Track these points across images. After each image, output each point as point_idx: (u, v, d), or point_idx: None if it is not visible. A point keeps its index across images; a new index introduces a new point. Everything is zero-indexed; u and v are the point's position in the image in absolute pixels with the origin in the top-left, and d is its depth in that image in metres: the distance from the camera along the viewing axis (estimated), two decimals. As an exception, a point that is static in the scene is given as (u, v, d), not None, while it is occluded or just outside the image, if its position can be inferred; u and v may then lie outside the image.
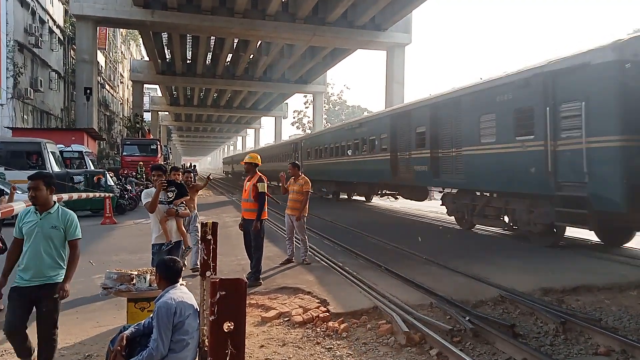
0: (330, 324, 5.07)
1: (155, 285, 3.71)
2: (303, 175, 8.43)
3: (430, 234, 12.20)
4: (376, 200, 23.25)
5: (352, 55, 36.19)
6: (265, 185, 6.96)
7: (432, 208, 18.75)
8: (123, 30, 52.82)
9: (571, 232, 10.16)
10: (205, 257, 3.35)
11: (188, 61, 41.32)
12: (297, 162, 8.75)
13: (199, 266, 7.08)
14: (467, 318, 4.99)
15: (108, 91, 47.36)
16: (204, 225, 3.34)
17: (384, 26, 28.37)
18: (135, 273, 4.15)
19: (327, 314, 5.33)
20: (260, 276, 6.85)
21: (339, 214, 16.51)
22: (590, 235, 10.25)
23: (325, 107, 59.28)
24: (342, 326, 4.96)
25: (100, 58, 38.89)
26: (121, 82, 56.12)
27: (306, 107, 67.24)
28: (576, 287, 6.41)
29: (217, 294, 1.63)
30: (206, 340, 2.96)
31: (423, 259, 8.35)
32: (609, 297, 6.16)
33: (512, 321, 5.10)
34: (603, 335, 4.65)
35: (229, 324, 1.66)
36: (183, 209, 5.49)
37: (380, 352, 4.44)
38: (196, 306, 3.36)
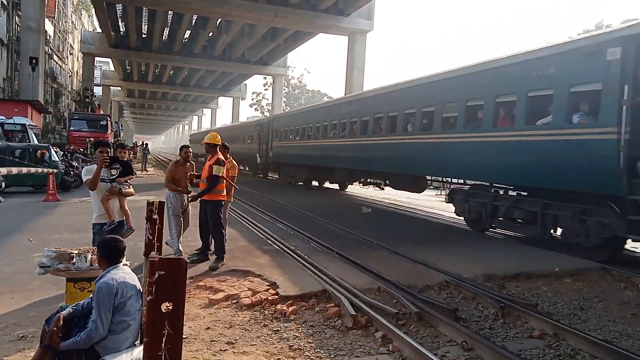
0: (278, 306, 5.08)
1: (97, 265, 3.58)
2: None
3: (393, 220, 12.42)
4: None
5: (314, 39, 35.96)
6: (222, 169, 6.79)
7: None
8: (74, -1, 50.12)
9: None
10: (150, 237, 3.26)
11: (144, 35, 39.75)
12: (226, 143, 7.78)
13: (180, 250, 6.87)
14: (413, 302, 5.13)
15: (56, 62, 44.89)
16: (149, 204, 3.23)
17: (347, 11, 28.28)
18: (76, 252, 3.98)
19: (276, 296, 5.33)
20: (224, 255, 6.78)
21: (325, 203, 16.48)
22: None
23: (285, 90, 58.73)
24: (291, 309, 4.98)
25: (49, 27, 36.73)
26: (71, 54, 53.32)
27: (265, 89, 66.42)
28: (517, 274, 6.71)
29: (155, 274, 1.57)
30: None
31: (374, 244, 8.50)
32: (546, 283, 6.50)
33: (455, 305, 5.28)
34: (538, 319, 4.89)
35: (168, 305, 1.61)
36: (127, 187, 5.29)
37: (327, 334, 4.49)
38: (139, 287, 3.27)
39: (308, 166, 21.26)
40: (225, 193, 7.09)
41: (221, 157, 6.92)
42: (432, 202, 19.43)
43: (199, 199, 6.92)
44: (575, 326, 4.87)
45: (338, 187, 22.99)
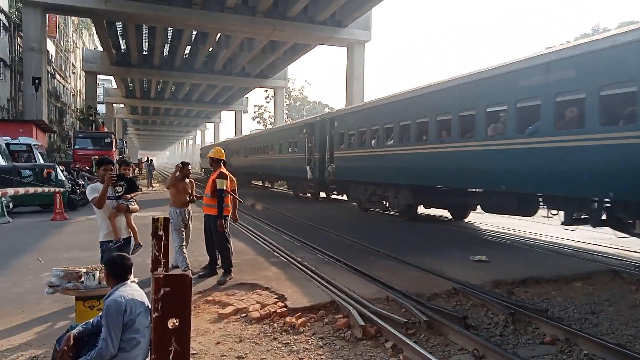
0: (287, 319, 5.06)
1: (105, 283, 3.58)
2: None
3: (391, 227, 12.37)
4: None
5: (313, 51, 36.16)
6: (225, 182, 6.83)
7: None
8: (75, 19, 50.72)
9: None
10: (157, 254, 3.26)
11: (144, 52, 40.13)
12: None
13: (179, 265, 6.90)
14: (422, 311, 5.09)
15: (59, 82, 45.39)
16: (155, 220, 3.24)
17: (345, 23, 28.49)
18: (84, 270, 3.99)
19: (285, 309, 5.31)
20: (232, 269, 6.78)
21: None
22: None
23: (286, 102, 58.92)
24: (300, 321, 4.96)
25: (50, 47, 37.19)
26: (73, 73, 53.92)
27: (267, 102, 66.60)
28: (525, 279, 6.67)
29: (161, 290, 1.58)
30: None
31: (381, 253, 8.47)
32: (556, 288, 6.45)
33: (464, 313, 5.24)
34: (549, 325, 4.85)
35: (174, 321, 1.61)
36: (133, 204, 5.32)
37: (336, 345, 4.46)
38: (147, 304, 3.27)
39: (408, 187, 13.24)
40: (230, 207, 7.12)
41: (224, 171, 6.96)
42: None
43: (204, 213, 6.94)
44: (587, 331, 4.83)
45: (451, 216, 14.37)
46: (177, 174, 7.20)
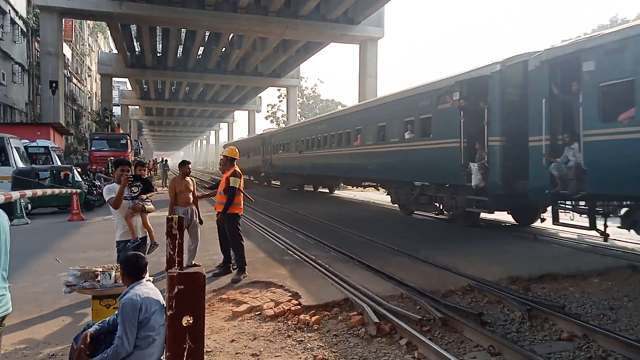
0: (301, 316, 5.07)
1: (121, 281, 3.63)
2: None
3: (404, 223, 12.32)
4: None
5: (326, 48, 36.13)
6: (239, 180, 6.89)
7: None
8: (90, 22, 51.37)
9: None
10: (171, 252, 3.29)
11: (158, 54, 40.50)
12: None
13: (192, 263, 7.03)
14: (436, 308, 5.06)
15: (75, 85, 46.04)
16: (169, 220, 3.27)
17: (357, 20, 28.37)
18: (100, 270, 4.05)
19: (299, 307, 5.33)
20: (246, 267, 6.82)
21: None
22: None
23: (299, 100, 59.01)
24: (314, 318, 4.97)
25: (67, 50, 37.74)
26: (89, 76, 54.64)
27: (280, 101, 66.77)
28: (542, 275, 6.58)
29: (175, 288, 1.60)
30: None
31: (395, 250, 8.43)
32: (573, 284, 6.35)
33: (479, 310, 5.20)
34: (566, 321, 4.78)
35: (188, 318, 1.63)
36: (149, 204, 5.38)
37: (351, 343, 4.46)
38: (162, 302, 3.31)
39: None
40: (242, 205, 7.17)
41: (237, 169, 7.00)
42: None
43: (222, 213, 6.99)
44: (606, 327, 4.75)
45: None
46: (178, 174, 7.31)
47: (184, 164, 7.46)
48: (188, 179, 7.41)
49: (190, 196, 7.27)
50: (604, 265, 7.07)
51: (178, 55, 40.11)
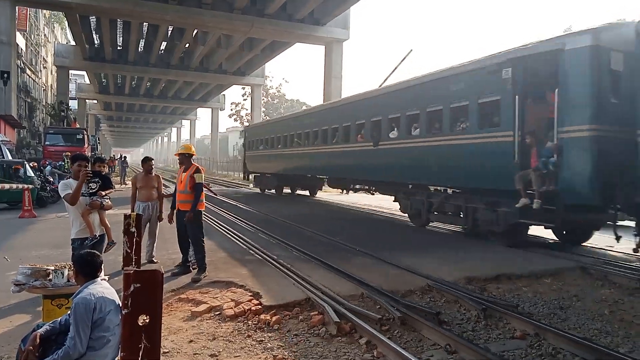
0: (262, 316, 5.04)
1: (74, 280, 3.50)
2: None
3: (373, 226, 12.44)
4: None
5: (292, 48, 36.10)
6: (203, 176, 6.85)
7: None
8: (47, 12, 49.38)
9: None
10: (128, 250, 3.20)
11: (119, 47, 39.36)
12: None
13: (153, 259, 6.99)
14: (396, 307, 5.14)
15: (29, 76, 44.08)
16: (127, 217, 3.18)
17: (323, 21, 28.48)
18: (52, 268, 3.89)
19: (260, 306, 5.29)
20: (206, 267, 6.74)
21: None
22: None
23: (263, 100, 58.67)
24: (274, 318, 4.95)
25: (20, 40, 36.05)
26: (44, 67, 52.41)
27: (244, 100, 66.12)
28: (497, 275, 6.80)
29: (131, 286, 1.55)
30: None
31: (356, 250, 8.51)
32: (526, 284, 6.59)
33: (437, 309, 5.31)
34: (519, 320, 4.95)
35: (145, 318, 1.58)
36: (107, 201, 5.22)
37: (311, 342, 4.47)
38: (118, 301, 3.21)
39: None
40: (204, 202, 7.10)
41: (198, 165, 6.94)
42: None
43: (176, 209, 6.92)
44: (556, 325, 4.95)
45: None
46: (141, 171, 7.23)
47: (147, 160, 7.50)
48: (153, 175, 7.42)
49: (154, 192, 7.29)
50: (555, 266, 7.37)
51: (139, 49, 39.08)
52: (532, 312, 5.48)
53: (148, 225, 7.27)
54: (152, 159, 7.58)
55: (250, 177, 27.17)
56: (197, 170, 6.82)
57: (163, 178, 8.23)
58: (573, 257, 8.15)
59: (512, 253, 8.50)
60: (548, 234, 10.12)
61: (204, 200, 7.09)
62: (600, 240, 9.66)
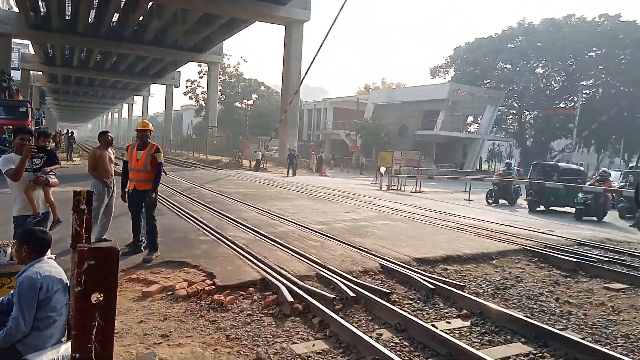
0: (215, 296, 5.02)
1: (16, 259, 3.36)
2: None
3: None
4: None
5: (252, 28, 35.39)
6: (162, 155, 6.72)
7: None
8: (-14, -26, 46.02)
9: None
10: (78, 228, 3.10)
11: (67, 17, 37.31)
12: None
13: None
14: (349, 287, 5.25)
15: (-34, 43, 41.13)
16: (76, 193, 3.07)
17: (284, 0, 28.07)
18: (-6, 246, 3.71)
19: (213, 287, 5.26)
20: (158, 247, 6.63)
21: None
22: None
23: (220, 78, 57.42)
24: (228, 298, 4.94)
25: (-44, 3, 33.53)
26: (-17, 34, 48.98)
27: (200, 77, 64.44)
28: (447, 257, 7.07)
29: (85, 263, 1.51)
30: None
31: (313, 231, 8.58)
32: (473, 266, 6.89)
33: (389, 289, 5.47)
34: (466, 299, 5.19)
35: (98, 295, 1.55)
36: (52, 177, 5.01)
37: (264, 322, 4.50)
38: (66, 281, 3.12)
39: None
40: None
41: (158, 145, 6.77)
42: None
43: (130, 189, 6.71)
44: (499, 304, 5.21)
45: None
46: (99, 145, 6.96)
47: (104, 134, 7.20)
48: (110, 150, 7.18)
49: (112, 167, 7.07)
50: (500, 249, 7.75)
51: (90, 20, 37.20)
52: (478, 292, 5.75)
53: (106, 203, 7.04)
54: (109, 132, 7.39)
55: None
56: (158, 150, 6.65)
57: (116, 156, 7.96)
58: (518, 241, 8.57)
59: (460, 236, 8.84)
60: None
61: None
62: (542, 225, 10.19)
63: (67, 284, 3.10)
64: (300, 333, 4.29)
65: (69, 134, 32.44)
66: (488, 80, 49.80)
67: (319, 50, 16.97)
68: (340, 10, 16.76)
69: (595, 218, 13.64)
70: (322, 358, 3.81)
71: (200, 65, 60.05)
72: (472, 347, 3.95)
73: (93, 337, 1.56)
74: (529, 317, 4.77)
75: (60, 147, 33.17)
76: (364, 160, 38.62)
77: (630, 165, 28.90)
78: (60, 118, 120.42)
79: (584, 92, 44.67)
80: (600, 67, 44.05)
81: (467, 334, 4.45)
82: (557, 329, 4.44)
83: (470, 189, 18.94)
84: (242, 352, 3.88)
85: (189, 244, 7.26)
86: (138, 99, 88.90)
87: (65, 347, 2.95)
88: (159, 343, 3.99)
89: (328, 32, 16.90)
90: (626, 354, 4.08)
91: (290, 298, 4.80)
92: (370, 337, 4.07)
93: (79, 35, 39.17)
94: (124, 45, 40.92)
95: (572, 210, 14.25)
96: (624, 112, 41.68)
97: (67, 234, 3.80)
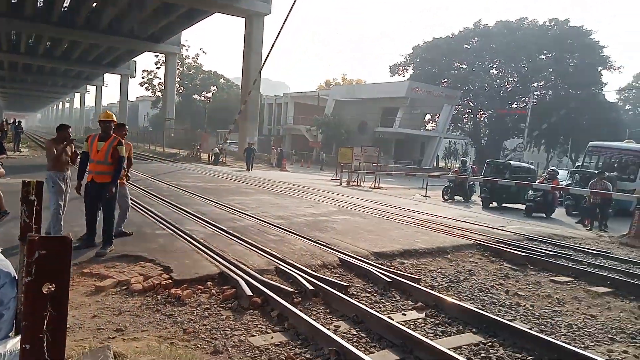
0: (172, 290, 4.93)
1: (-39, 251, 3.19)
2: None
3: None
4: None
5: (212, 20, 34.74)
6: (125, 149, 6.49)
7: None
8: None
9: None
10: (27, 220, 2.98)
11: (13, 0, 35.42)
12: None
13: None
14: (308, 280, 5.29)
15: None
16: (26, 184, 2.95)
17: (244, -8, 27.75)
18: None
19: (170, 281, 5.17)
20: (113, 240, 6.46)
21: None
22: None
23: (178, 69, 56.12)
24: (185, 292, 4.87)
25: None
26: None
27: (157, 68, 62.75)
28: (403, 251, 7.23)
29: (35, 253, 1.47)
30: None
31: (272, 225, 8.57)
32: (429, 260, 7.08)
33: (347, 282, 5.55)
34: (421, 292, 5.33)
35: (50, 286, 1.51)
36: None
37: (222, 316, 4.47)
38: (14, 274, 2.99)
39: None
40: (124, 175, 6.81)
41: (121, 138, 6.56)
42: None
43: (88, 181, 6.49)
44: (452, 297, 5.39)
45: None
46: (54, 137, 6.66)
47: (63, 128, 6.87)
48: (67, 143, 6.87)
49: (69, 161, 6.80)
50: (455, 244, 7.99)
51: (39, 4, 35.48)
52: (433, 284, 5.91)
53: (64, 195, 6.77)
54: (69, 126, 7.10)
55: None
56: (121, 143, 6.45)
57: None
58: (471, 236, 8.86)
59: (416, 232, 9.06)
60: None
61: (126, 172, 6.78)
62: (494, 221, 10.58)
63: (15, 277, 2.97)
64: (258, 326, 4.28)
65: (17, 124, 30.86)
66: (445, 80, 51.06)
67: (275, 39, 17.17)
68: (295, 1, 16.84)
69: (544, 214, 14.30)
70: (280, 350, 3.82)
71: (157, 56, 58.44)
72: (427, 337, 4.07)
73: (45, 327, 1.51)
74: (480, 309, 4.96)
75: (6, 137, 31.55)
76: (324, 156, 38.77)
77: (576, 164, 30.45)
78: (6, 106, 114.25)
79: (535, 93, 46.64)
80: (551, 69, 46.10)
81: (422, 325, 4.57)
82: (507, 320, 4.64)
83: (427, 185, 19.40)
84: (199, 345, 3.84)
85: (145, 238, 7.10)
86: (91, 89, 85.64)
87: (13, 342, 2.84)
88: (114, 337, 3.89)
89: (284, 22, 16.99)
90: (569, 342, 4.32)
91: (249, 292, 4.79)
92: (328, 329, 4.12)
93: (27, 20, 37.24)
94: (76, 33, 39.24)
95: (523, 206, 14.88)
96: (572, 114, 43.74)
97: (14, 225, 3.63)
